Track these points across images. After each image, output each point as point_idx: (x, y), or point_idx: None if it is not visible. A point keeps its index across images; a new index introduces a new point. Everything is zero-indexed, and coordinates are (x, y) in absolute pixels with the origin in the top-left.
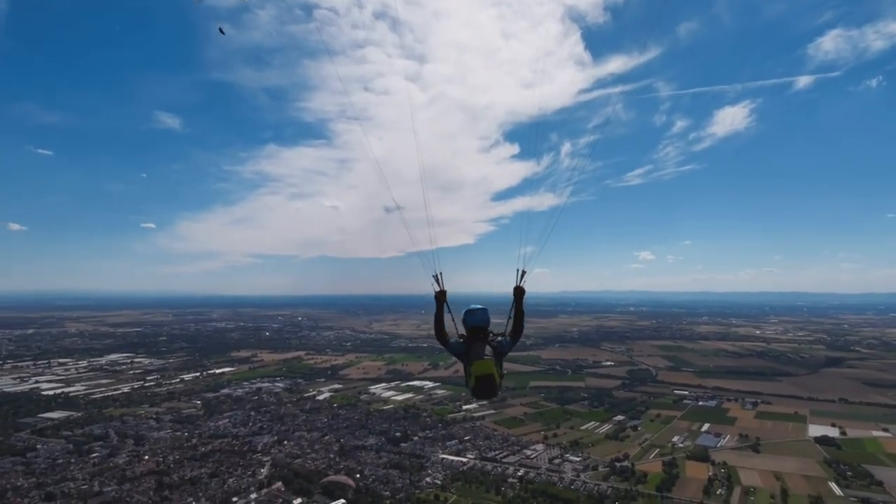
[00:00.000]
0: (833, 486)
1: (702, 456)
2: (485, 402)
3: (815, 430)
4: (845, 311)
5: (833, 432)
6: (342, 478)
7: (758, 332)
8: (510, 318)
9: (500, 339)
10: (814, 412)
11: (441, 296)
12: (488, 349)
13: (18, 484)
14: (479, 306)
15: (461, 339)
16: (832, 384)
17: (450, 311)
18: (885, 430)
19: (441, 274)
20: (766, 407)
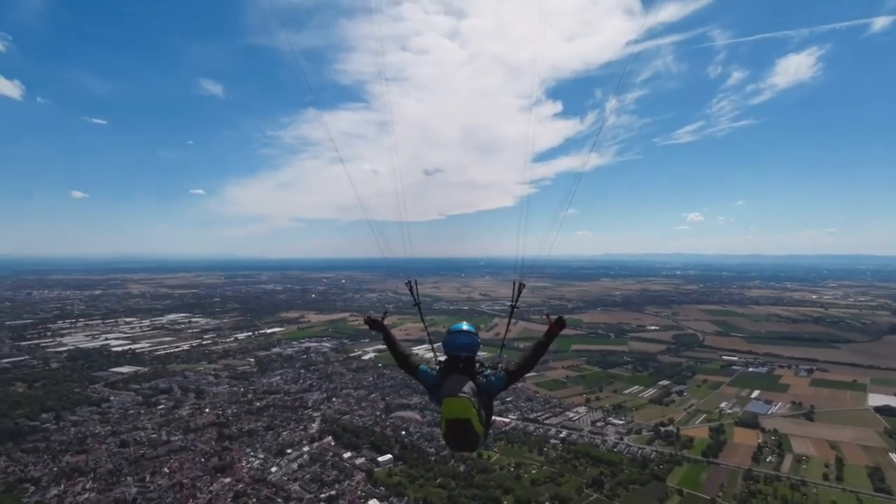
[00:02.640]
0: (894, 457)
1: (751, 422)
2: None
3: (876, 400)
4: None
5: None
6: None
7: (814, 296)
8: (503, 345)
9: (488, 372)
10: (875, 381)
11: (375, 325)
12: (469, 385)
13: (96, 431)
14: (467, 327)
15: (437, 367)
16: None
17: (423, 323)
18: None
19: (415, 283)
20: (822, 374)
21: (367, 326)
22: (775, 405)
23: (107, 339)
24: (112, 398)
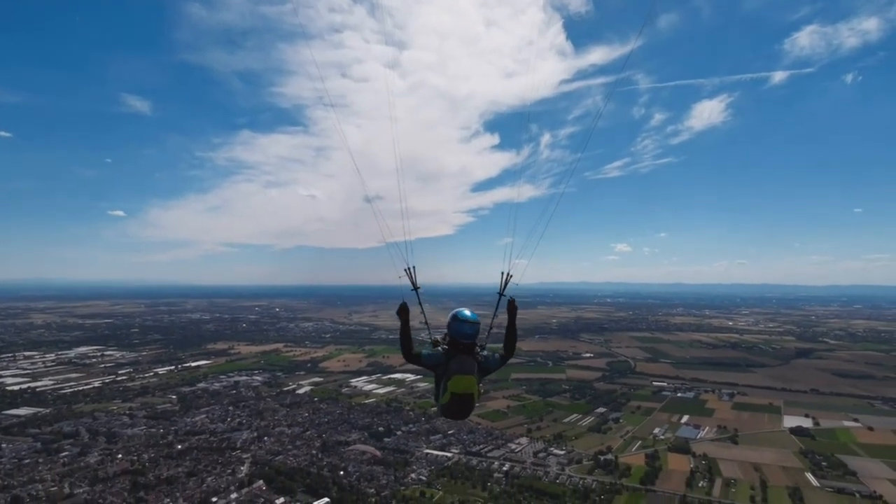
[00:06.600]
0: (809, 476)
1: (683, 448)
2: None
3: (790, 421)
4: (812, 303)
5: (807, 423)
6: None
7: (730, 323)
8: (490, 328)
9: (485, 353)
10: (788, 403)
11: (405, 313)
12: (473, 364)
13: None
14: (470, 316)
15: (439, 349)
16: (804, 375)
17: (420, 308)
18: (856, 420)
19: (414, 269)
20: (742, 398)
21: (398, 313)
22: (703, 430)
23: (1, 376)
24: (4, 446)
